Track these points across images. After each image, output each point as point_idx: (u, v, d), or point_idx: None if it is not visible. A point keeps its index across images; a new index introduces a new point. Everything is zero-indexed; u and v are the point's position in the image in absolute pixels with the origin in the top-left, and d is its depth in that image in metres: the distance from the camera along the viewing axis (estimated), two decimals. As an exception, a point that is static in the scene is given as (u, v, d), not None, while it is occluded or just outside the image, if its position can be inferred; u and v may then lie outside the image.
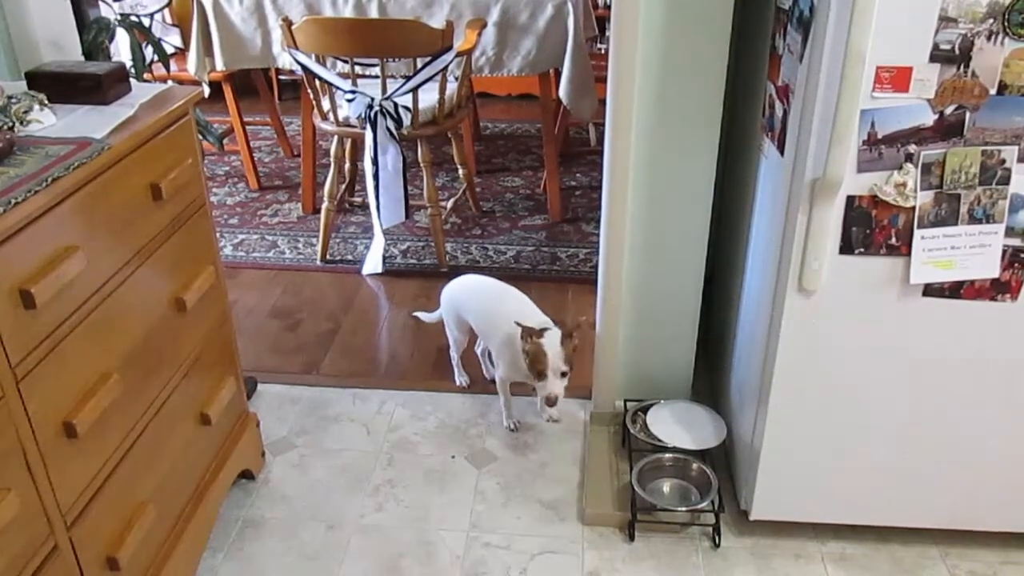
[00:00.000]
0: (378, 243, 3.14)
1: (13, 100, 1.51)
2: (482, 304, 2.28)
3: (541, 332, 2.04)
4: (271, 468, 2.18)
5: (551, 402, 2.02)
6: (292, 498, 2.09)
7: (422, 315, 2.58)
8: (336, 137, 3.11)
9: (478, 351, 2.49)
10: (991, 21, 1.39)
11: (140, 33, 2.47)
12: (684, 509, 1.96)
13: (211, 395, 1.86)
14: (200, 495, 1.82)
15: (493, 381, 2.49)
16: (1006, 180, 1.50)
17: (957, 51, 1.41)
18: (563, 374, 2.02)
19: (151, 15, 2.67)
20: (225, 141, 3.82)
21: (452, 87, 3.10)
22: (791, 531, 1.96)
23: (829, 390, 1.74)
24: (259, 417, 2.14)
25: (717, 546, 1.93)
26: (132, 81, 1.69)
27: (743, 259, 2.02)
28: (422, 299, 2.97)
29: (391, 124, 2.93)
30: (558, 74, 3.21)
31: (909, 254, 1.56)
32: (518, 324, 2.06)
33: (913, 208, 1.52)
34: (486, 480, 2.14)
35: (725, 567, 1.89)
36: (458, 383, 2.48)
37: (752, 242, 1.94)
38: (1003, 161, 1.49)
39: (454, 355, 2.45)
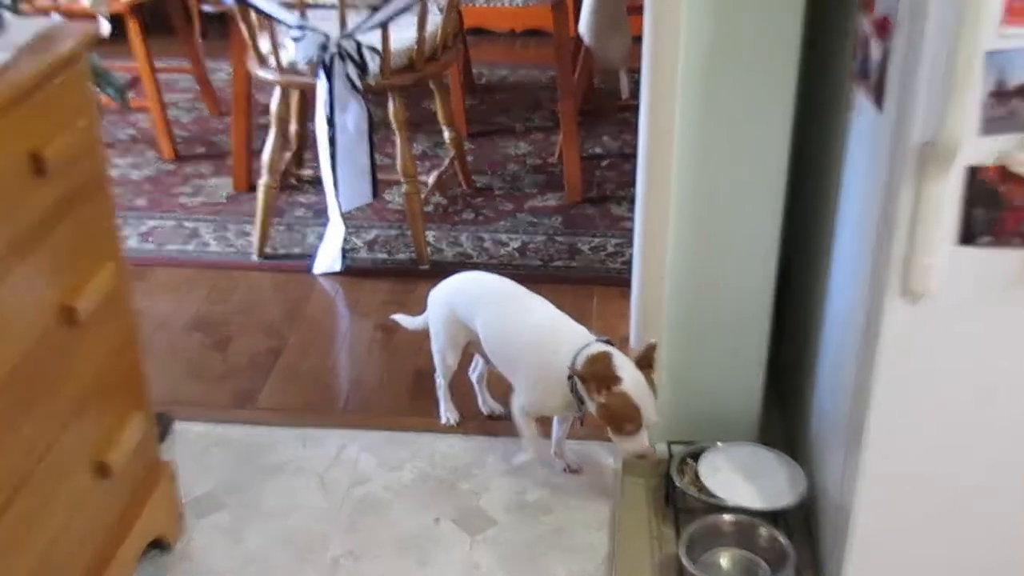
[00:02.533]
0: (335, 232, 3.14)
1: None
2: (497, 312, 2.27)
3: (614, 375, 2.00)
4: (192, 535, 2.17)
5: (649, 456, 2.06)
6: (220, 575, 2.08)
7: (403, 319, 2.58)
8: (279, 89, 3.11)
9: (472, 376, 2.49)
10: None
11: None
12: (749, 590, 1.96)
13: (111, 438, 1.85)
14: (97, 572, 1.81)
15: (492, 416, 2.49)
16: None
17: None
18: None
19: (30, -74, 2.67)
20: (130, 95, 3.82)
21: (435, 20, 3.11)
22: (894, 619, 1.96)
23: (947, 429, 1.73)
24: (176, 467, 2.14)
25: (794, 640, 1.93)
26: (3, 15, 1.69)
27: (828, 253, 2.01)
28: (393, 306, 2.96)
29: (352, 71, 2.93)
30: (577, 2, 3.21)
31: (1052, 245, 1.56)
32: (574, 372, 2.05)
33: (1057, 183, 1.52)
34: (482, 552, 2.14)
35: (805, 668, 1.89)
36: (444, 420, 2.48)
37: (840, 229, 1.94)
38: None
39: (441, 381, 2.45)
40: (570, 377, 2.07)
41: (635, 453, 2.06)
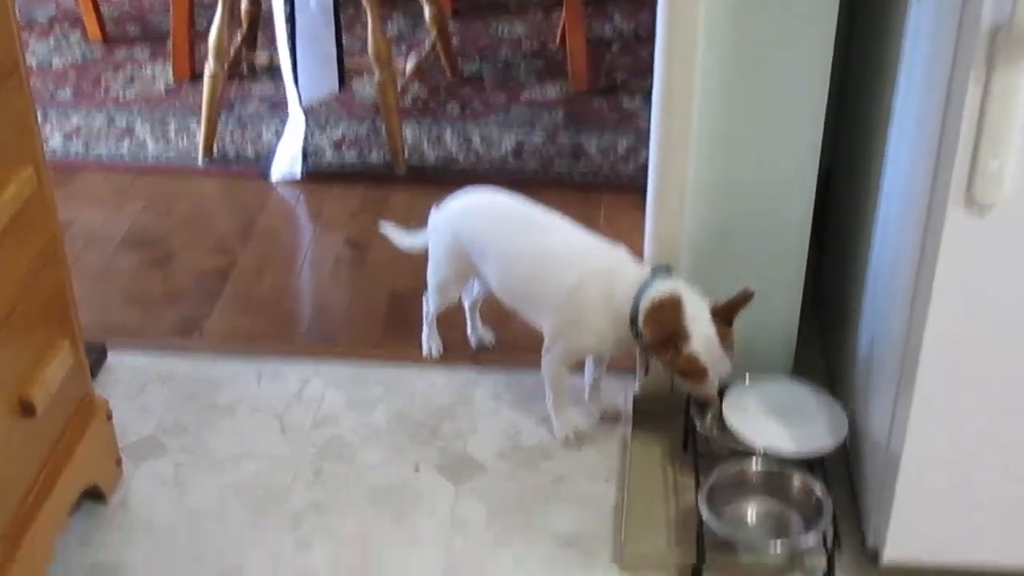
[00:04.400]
0: (295, 131, 3.13)
1: None
2: (519, 240, 2.24)
3: (682, 332, 2.00)
4: (131, 485, 2.19)
5: (715, 402, 2.11)
6: (164, 531, 2.10)
7: (395, 233, 2.56)
8: (227, -43, 3.08)
9: (466, 301, 2.49)
10: None
11: None
12: (779, 548, 1.98)
13: (34, 371, 1.85)
14: (21, 527, 1.83)
15: (482, 347, 2.50)
16: None
17: None
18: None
19: None
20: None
21: None
22: (946, 582, 2.00)
23: (1013, 363, 1.74)
24: (111, 405, 2.16)
25: (830, 605, 1.97)
26: None
27: (878, 162, 2.01)
28: (364, 217, 2.97)
29: (315, -64, 2.90)
30: None
31: None
32: (642, 324, 2.05)
33: None
34: (469, 504, 2.16)
35: (843, 637, 1.93)
36: (425, 351, 2.50)
37: (893, 134, 1.93)
38: None
39: (430, 310, 2.46)
40: (633, 321, 2.07)
41: (699, 399, 2.10)
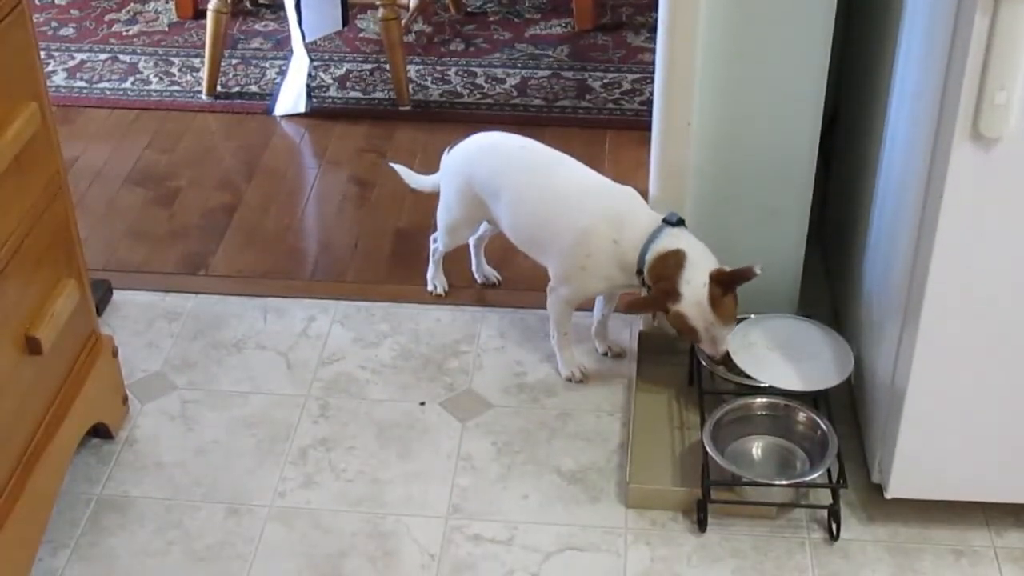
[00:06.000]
0: (299, 67, 3.11)
1: None
2: (530, 182, 2.22)
3: (677, 290, 2.01)
4: (138, 421, 2.20)
5: (716, 360, 2.09)
6: (171, 467, 2.11)
7: (407, 172, 2.54)
8: None
9: (471, 239, 2.48)
10: None
11: None
12: (785, 483, 1.99)
13: (41, 309, 1.85)
14: (29, 463, 1.84)
15: (486, 284, 2.51)
16: None
17: None
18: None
19: None
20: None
21: None
22: (948, 516, 1.99)
23: (1018, 298, 1.74)
24: (117, 343, 2.16)
25: (835, 539, 1.97)
26: None
27: (884, 94, 1.99)
28: (371, 155, 2.96)
29: None
30: None
31: None
32: (646, 276, 2.05)
33: None
34: (475, 439, 2.17)
35: (848, 570, 1.93)
36: (431, 288, 2.50)
37: (900, 64, 1.92)
38: None
39: (439, 248, 2.45)
40: (639, 271, 2.08)
41: (711, 353, 2.09)
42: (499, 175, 2.26)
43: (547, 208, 2.19)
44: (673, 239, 2.05)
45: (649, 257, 2.06)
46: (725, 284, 2.03)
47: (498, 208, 2.26)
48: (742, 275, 2.02)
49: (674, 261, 2.03)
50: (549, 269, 2.23)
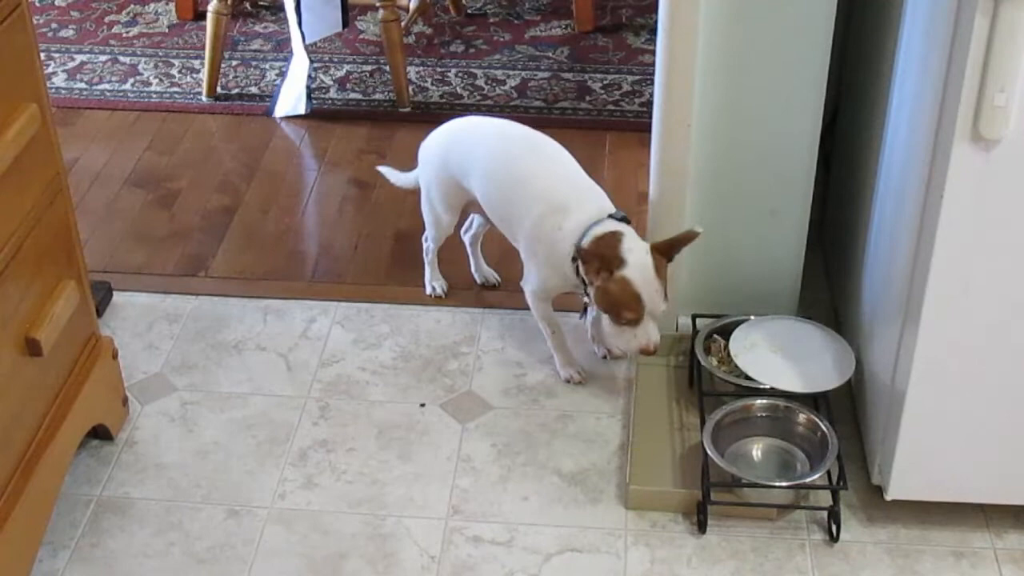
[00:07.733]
0: (299, 68, 3.11)
1: None
2: (499, 162, 2.24)
3: (619, 256, 2.02)
4: (138, 423, 2.21)
5: (649, 351, 2.07)
6: (171, 469, 2.12)
7: (390, 172, 2.57)
8: None
9: (465, 237, 2.49)
10: None
11: None
12: (785, 485, 1.99)
13: (40, 310, 1.85)
14: (29, 465, 1.84)
15: (485, 285, 2.51)
16: None
17: None
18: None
19: None
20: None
21: None
22: (949, 518, 2.00)
23: (1018, 300, 1.74)
24: (117, 344, 2.16)
25: (835, 540, 1.97)
26: None
27: (884, 95, 2.00)
28: (369, 156, 2.96)
29: None
30: None
31: None
32: (577, 250, 2.05)
33: None
34: (475, 441, 2.17)
35: (848, 572, 1.93)
36: (429, 291, 2.50)
37: (900, 62, 1.92)
38: None
39: (430, 246, 2.46)
40: (574, 259, 2.08)
41: (632, 349, 2.08)
42: (472, 155, 2.28)
43: (514, 191, 2.21)
44: (614, 225, 2.07)
45: (586, 240, 2.06)
46: (667, 250, 2.05)
47: (473, 185, 2.27)
48: (683, 240, 2.05)
49: (612, 237, 2.05)
50: (521, 256, 2.26)
